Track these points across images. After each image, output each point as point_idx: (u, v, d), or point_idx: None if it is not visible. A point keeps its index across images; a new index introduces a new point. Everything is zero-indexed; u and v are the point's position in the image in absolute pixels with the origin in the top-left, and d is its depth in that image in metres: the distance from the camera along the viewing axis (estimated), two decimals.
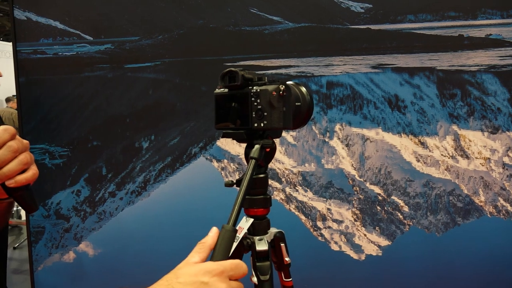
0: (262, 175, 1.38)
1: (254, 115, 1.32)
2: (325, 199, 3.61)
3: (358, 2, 3.49)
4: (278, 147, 4.09)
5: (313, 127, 3.64)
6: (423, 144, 3.62)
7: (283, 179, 3.79)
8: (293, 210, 3.62)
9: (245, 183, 1.22)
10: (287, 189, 3.65)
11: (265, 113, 1.30)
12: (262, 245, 1.38)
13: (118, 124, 5.10)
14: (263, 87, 1.32)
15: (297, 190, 3.68)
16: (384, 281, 3.34)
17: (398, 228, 3.57)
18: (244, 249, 1.38)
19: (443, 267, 3.43)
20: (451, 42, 3.46)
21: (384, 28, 3.42)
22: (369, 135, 3.51)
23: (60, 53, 4.09)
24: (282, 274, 1.46)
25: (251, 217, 1.39)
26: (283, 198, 3.68)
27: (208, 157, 4.16)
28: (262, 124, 1.31)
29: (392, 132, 3.34)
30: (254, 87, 1.33)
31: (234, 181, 1.37)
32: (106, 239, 4.19)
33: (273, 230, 1.43)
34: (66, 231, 4.27)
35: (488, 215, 3.58)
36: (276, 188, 3.75)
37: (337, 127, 3.49)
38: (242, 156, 4.32)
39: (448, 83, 3.57)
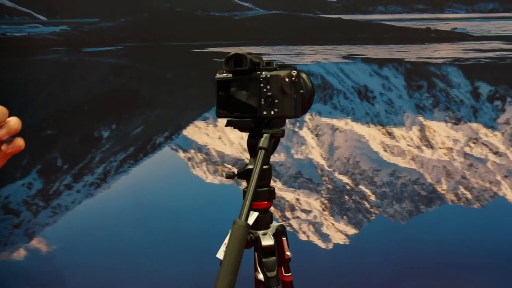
0: (266, 166, 1.32)
1: (263, 102, 1.25)
2: (294, 189, 3.70)
3: None
4: (246, 137, 4.15)
5: None
6: (390, 134, 3.75)
7: None
8: None
9: (255, 176, 1.17)
10: None
11: (276, 100, 1.24)
12: (267, 240, 1.32)
13: (75, 112, 5.02)
14: (274, 73, 1.25)
15: None
16: (352, 269, 3.45)
17: (365, 217, 3.70)
18: (248, 244, 1.31)
19: (407, 254, 3.57)
20: (419, 35, 3.58)
21: (355, 19, 3.52)
22: (339, 125, 3.62)
23: (9, 34, 3.89)
24: (282, 269, 1.41)
25: (254, 210, 1.32)
26: None
27: (174, 147, 4.17)
28: (272, 112, 1.24)
29: (361, 123, 3.46)
30: (263, 72, 1.25)
31: (235, 173, 1.32)
32: (62, 234, 4.05)
33: (274, 224, 1.38)
34: (16, 227, 4.12)
35: (450, 203, 3.75)
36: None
37: (307, 117, 3.58)
38: (210, 146, 4.35)
39: (415, 74, 3.70)
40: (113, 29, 4.03)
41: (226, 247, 1.09)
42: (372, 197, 3.72)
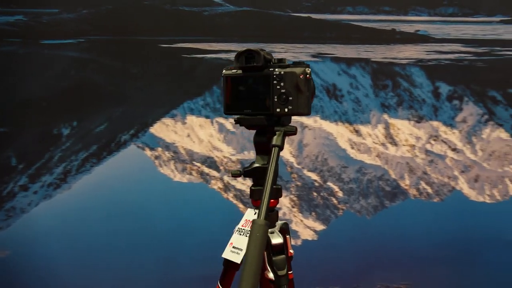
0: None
1: (276, 100, 1.23)
2: None
3: None
4: (216, 134, 4.20)
5: None
6: (357, 132, 3.89)
7: (221, 167, 3.91)
8: (231, 199, 3.76)
9: (271, 174, 1.15)
10: (225, 178, 3.79)
11: (290, 98, 1.22)
12: (276, 238, 1.30)
13: (32, 108, 4.89)
14: (288, 70, 1.24)
15: (235, 179, 3.81)
16: (320, 264, 3.56)
17: (333, 213, 3.82)
18: None
19: (372, 247, 3.70)
20: (385, 36, 3.72)
21: (325, 18, 3.62)
22: (308, 123, 3.72)
23: None
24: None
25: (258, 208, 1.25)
26: (221, 187, 3.80)
27: (140, 145, 4.17)
28: (286, 110, 1.22)
29: (330, 120, 3.57)
30: (276, 69, 1.24)
31: (241, 171, 1.29)
32: (16, 239, 3.81)
33: (278, 222, 1.34)
34: None
35: (412, 197, 3.91)
36: (214, 177, 3.86)
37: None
38: (178, 144, 4.36)
39: (381, 74, 3.85)
40: (75, 20, 3.95)
41: (248, 247, 1.08)
42: (340, 193, 3.84)
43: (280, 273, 1.27)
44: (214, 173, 3.98)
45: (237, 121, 1.32)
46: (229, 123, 3.82)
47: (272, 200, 1.27)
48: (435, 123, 4.34)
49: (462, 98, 4.70)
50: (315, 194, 3.83)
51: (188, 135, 4.32)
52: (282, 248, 1.29)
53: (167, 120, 4.87)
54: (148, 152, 4.34)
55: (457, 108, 4.48)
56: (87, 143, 4.72)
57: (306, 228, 3.80)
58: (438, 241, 3.68)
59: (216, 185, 3.99)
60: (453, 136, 4.50)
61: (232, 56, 3.99)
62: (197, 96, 4.23)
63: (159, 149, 4.39)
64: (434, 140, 4.29)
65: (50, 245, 3.64)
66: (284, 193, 3.85)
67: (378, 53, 3.65)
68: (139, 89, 4.09)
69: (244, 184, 3.67)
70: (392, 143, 3.97)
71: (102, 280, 2.92)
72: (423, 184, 4.00)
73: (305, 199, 3.65)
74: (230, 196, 3.93)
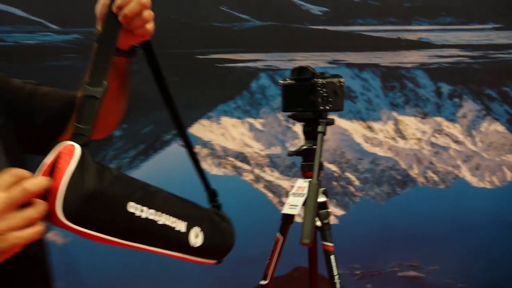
0: (315, 146, 1.54)
1: (320, 100, 1.49)
2: (289, 178, 3.72)
3: (317, 6, 3.59)
4: (247, 133, 4.17)
5: (278, 115, 3.72)
6: (370, 128, 3.80)
7: (252, 162, 3.86)
8: (261, 189, 3.71)
9: (319, 151, 1.41)
10: (256, 170, 3.74)
11: (330, 99, 1.50)
12: (322, 197, 1.57)
13: None
14: (328, 80, 1.51)
15: (264, 171, 3.77)
16: (341, 245, 3.49)
17: (351, 200, 3.74)
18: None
19: (386, 229, 3.63)
20: (391, 43, 3.64)
21: (339, 30, 3.54)
22: None
23: (22, 41, 3.69)
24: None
25: (307, 178, 1.56)
26: (252, 178, 3.76)
27: (181, 143, 4.11)
28: (327, 107, 1.51)
29: (345, 118, 3.50)
30: (320, 80, 1.51)
31: (295, 151, 1.56)
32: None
33: (321, 188, 1.59)
34: None
35: (420, 185, 3.81)
36: (245, 170, 3.81)
37: None
38: (214, 142, 4.34)
39: (389, 77, 3.75)
40: None
41: (307, 197, 1.31)
42: (356, 182, 3.77)
43: (324, 221, 1.56)
44: (245, 166, 3.94)
45: (290, 116, 1.60)
46: (258, 123, 3.76)
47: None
48: (438, 119, 4.21)
49: (462, 96, 4.58)
50: (334, 183, 3.76)
51: (223, 134, 4.29)
52: (325, 205, 1.58)
53: (204, 121, 4.83)
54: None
55: (458, 105, 4.34)
56: (136, 142, 4.72)
57: None
58: (444, 222, 3.60)
59: (248, 177, 3.95)
60: (455, 129, 4.38)
61: (258, 64, 3.94)
62: (229, 99, 4.18)
63: (198, 146, 4.36)
64: (438, 133, 4.19)
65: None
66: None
67: (386, 58, 3.57)
68: (179, 95, 4.10)
69: (272, 176, 3.62)
70: (401, 137, 3.86)
71: (151, 262, 2.90)
72: (430, 173, 3.89)
73: (326, 187, 3.57)
74: (260, 186, 3.88)
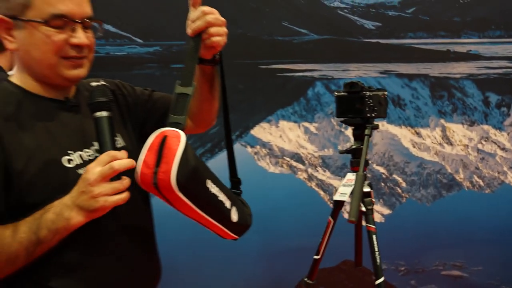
0: (362, 146, 1.69)
1: (367, 109, 1.66)
2: (340, 178, 3.66)
3: (370, 21, 3.51)
4: (302, 135, 4.17)
5: (332, 119, 3.67)
6: (418, 134, 3.66)
7: (306, 162, 3.84)
8: (313, 187, 3.68)
9: (365, 150, 1.57)
10: (309, 170, 3.71)
11: (376, 108, 1.68)
12: (366, 188, 1.70)
13: None
14: (374, 93, 1.69)
15: (317, 171, 3.73)
16: (386, 242, 3.39)
17: (397, 200, 3.62)
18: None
19: (431, 230, 3.49)
20: (440, 55, 3.47)
21: (390, 42, 3.44)
22: None
23: (112, 53, 3.93)
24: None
25: (355, 172, 1.66)
26: (306, 177, 3.74)
27: (243, 143, 4.16)
28: (373, 115, 1.68)
29: (394, 124, 3.39)
30: (367, 92, 1.69)
31: (346, 149, 1.71)
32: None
33: (366, 181, 1.70)
34: None
35: (466, 189, 3.62)
36: (300, 169, 3.79)
37: None
38: (272, 143, 4.36)
39: (438, 87, 3.59)
40: None
41: (354, 187, 1.49)
42: (403, 184, 3.64)
43: (368, 207, 1.67)
44: (300, 166, 3.91)
45: (342, 121, 1.71)
46: (312, 126, 3.73)
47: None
48: (485, 127, 3.98)
49: (510, 105, 4.29)
50: (382, 184, 3.65)
51: (280, 136, 4.28)
52: (369, 194, 1.69)
53: (264, 124, 4.86)
54: (249, 149, 4.35)
55: (505, 114, 4.09)
56: (203, 141, 4.83)
57: (375, 212, 3.63)
58: (488, 226, 3.40)
59: (302, 175, 3.92)
60: (502, 137, 4.12)
61: (315, 74, 3.93)
62: (287, 105, 4.18)
63: (258, 146, 4.39)
64: (485, 141, 3.95)
65: (170, 225, 3.66)
66: None
67: (435, 69, 3.44)
68: (243, 101, 4.09)
69: (324, 175, 3.56)
70: (448, 143, 3.69)
71: (211, 256, 2.92)
72: (475, 178, 3.69)
73: (374, 188, 3.46)
74: (312, 184, 3.84)
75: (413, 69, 3.16)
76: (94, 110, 1.02)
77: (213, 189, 1.01)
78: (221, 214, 1.07)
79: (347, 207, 1.67)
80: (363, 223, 1.77)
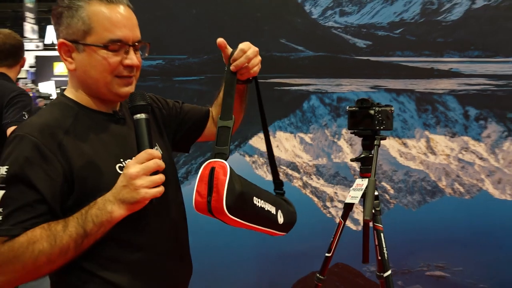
0: (370, 155, 1.77)
1: (376, 123, 1.74)
2: (333, 185, 3.68)
3: (362, 40, 3.55)
4: (298, 145, 4.18)
5: (326, 130, 3.69)
6: (405, 144, 3.69)
7: (301, 170, 3.85)
8: (308, 194, 3.68)
9: (375, 159, 1.66)
10: (304, 178, 3.71)
11: (384, 121, 1.75)
12: (375, 192, 1.77)
13: None
14: (383, 108, 1.75)
15: (311, 179, 3.75)
16: (374, 246, 3.41)
17: (386, 206, 3.64)
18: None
19: (417, 233, 3.51)
20: (425, 72, 3.55)
21: (380, 60, 3.49)
22: None
23: None
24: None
25: (365, 177, 1.76)
26: (301, 184, 3.75)
27: (242, 153, 4.17)
28: (382, 127, 1.75)
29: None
30: (376, 108, 1.75)
31: (356, 158, 1.78)
32: None
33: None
34: None
35: (448, 195, 3.65)
36: (295, 177, 3.80)
37: (343, 131, 3.55)
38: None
39: (423, 101, 3.65)
40: (198, 63, 4.09)
41: (367, 191, 1.54)
42: (391, 191, 3.66)
43: (377, 209, 1.74)
44: (295, 174, 3.92)
45: (353, 133, 1.82)
46: (307, 137, 3.75)
47: (369, 174, 1.71)
48: (465, 138, 4.01)
49: (487, 119, 4.33)
50: None
51: (277, 146, 4.28)
52: (377, 198, 1.77)
53: (261, 135, 4.89)
54: (247, 158, 4.34)
55: (483, 126, 4.10)
56: (203, 151, 4.82)
57: None
58: (468, 228, 3.45)
59: (297, 183, 3.93)
60: (480, 148, 4.17)
61: (310, 88, 3.91)
62: (284, 117, 4.18)
63: (256, 156, 4.39)
64: (465, 151, 4.00)
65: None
66: (348, 190, 3.73)
67: (420, 85, 3.47)
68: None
69: (318, 183, 3.58)
70: (432, 153, 3.73)
71: (207, 260, 2.91)
72: (456, 185, 3.73)
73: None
74: (307, 191, 3.85)
75: (401, 85, 3.21)
76: (134, 113, 1.05)
77: (259, 203, 1.10)
78: (268, 221, 1.16)
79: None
80: (370, 224, 1.85)
